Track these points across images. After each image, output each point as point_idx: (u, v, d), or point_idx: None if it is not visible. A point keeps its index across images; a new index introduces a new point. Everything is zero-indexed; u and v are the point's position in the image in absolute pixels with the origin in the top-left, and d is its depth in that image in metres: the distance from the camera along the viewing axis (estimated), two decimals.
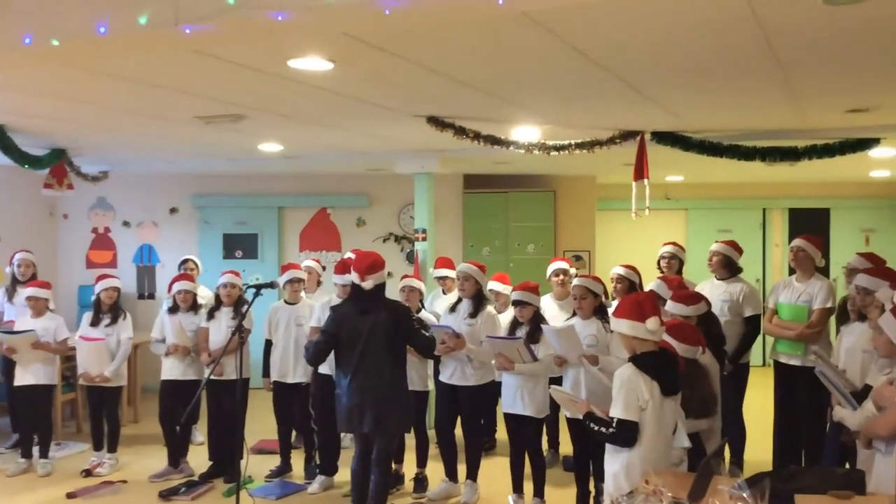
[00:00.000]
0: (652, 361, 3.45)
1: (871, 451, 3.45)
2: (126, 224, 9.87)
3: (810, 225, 10.52)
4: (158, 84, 4.47)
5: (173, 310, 6.29)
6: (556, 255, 9.51)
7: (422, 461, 5.97)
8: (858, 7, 3.06)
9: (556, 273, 6.45)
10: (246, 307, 5.50)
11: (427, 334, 5.10)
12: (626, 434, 3.36)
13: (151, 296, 9.73)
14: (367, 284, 4.83)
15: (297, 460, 6.37)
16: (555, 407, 5.64)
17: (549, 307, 6.24)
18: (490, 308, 5.70)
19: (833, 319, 5.59)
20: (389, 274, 8.90)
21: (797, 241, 5.80)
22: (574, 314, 5.22)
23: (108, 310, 6.41)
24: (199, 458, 6.40)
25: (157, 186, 9.70)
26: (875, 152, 6.64)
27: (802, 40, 3.62)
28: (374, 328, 4.82)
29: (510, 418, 5.38)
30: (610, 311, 4.70)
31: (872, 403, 3.42)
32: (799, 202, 11.25)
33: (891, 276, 4.42)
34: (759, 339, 6.31)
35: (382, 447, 4.93)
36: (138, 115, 5.46)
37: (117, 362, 6.34)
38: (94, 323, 6.38)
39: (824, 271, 6.04)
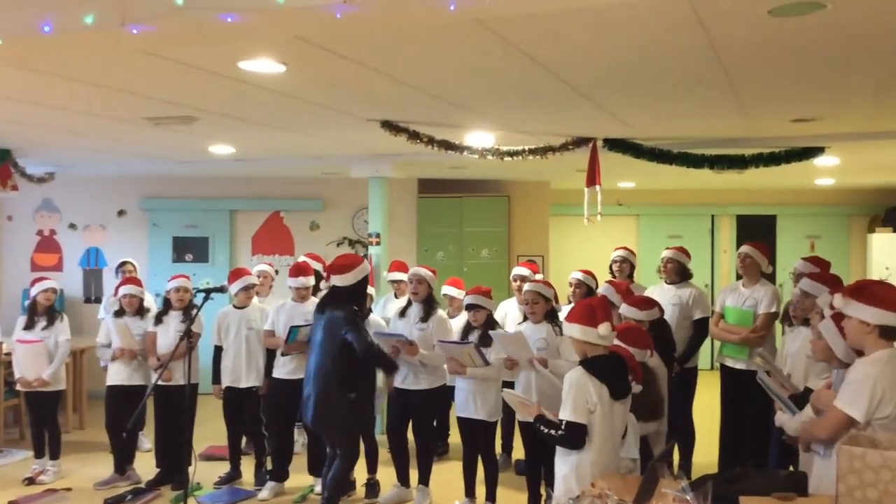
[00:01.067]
0: (601, 365, 3.48)
1: (811, 453, 3.53)
2: (72, 226, 9.66)
3: (757, 231, 10.75)
4: (105, 85, 4.39)
5: (119, 314, 6.17)
6: (511, 259, 9.57)
7: (372, 466, 5.94)
8: (803, 19, 3.13)
9: (515, 279, 6.50)
10: (195, 311, 5.42)
11: (362, 338, 4.94)
12: (575, 436, 3.39)
13: (98, 300, 9.49)
14: (330, 283, 5.00)
15: (248, 466, 6.29)
16: (510, 410, 5.66)
17: (513, 311, 6.30)
18: (441, 312, 5.70)
19: (778, 324, 5.72)
20: None
21: (744, 248, 5.92)
22: (525, 318, 5.26)
23: (43, 312, 6.26)
24: (146, 465, 6.28)
25: (104, 188, 9.51)
26: (820, 161, 6.81)
27: (749, 51, 3.69)
28: (319, 327, 4.94)
29: (463, 422, 5.39)
30: (561, 315, 4.74)
31: (811, 407, 3.51)
32: (746, 209, 11.49)
33: (832, 282, 4.53)
34: (708, 342, 6.41)
35: (336, 441, 5.08)
36: (85, 115, 5.35)
37: (55, 365, 6.19)
38: (29, 326, 6.22)
39: (771, 277, 6.16)
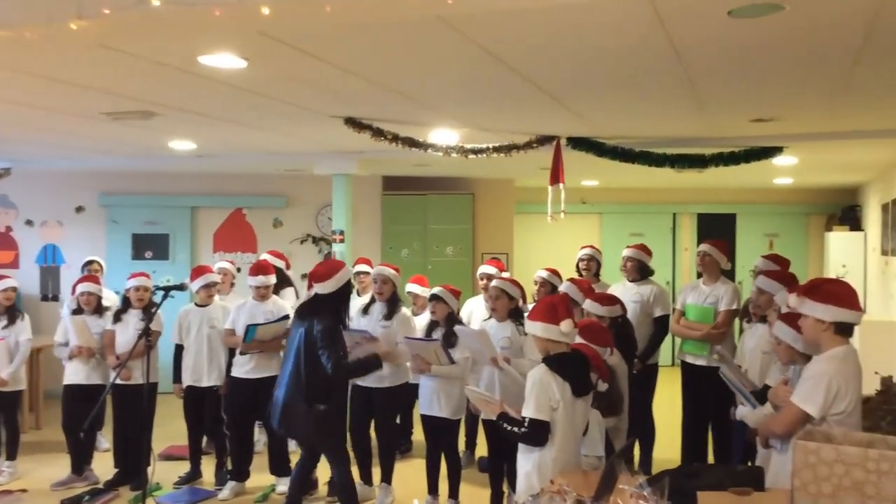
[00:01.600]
0: (564, 363, 3.50)
1: (768, 448, 3.59)
2: (29, 223, 9.47)
3: (717, 229, 10.90)
4: (63, 79, 4.30)
5: (77, 312, 6.07)
6: (475, 257, 9.59)
7: None
8: (762, 20, 3.18)
9: (481, 277, 6.51)
10: (154, 310, 5.34)
11: (336, 354, 4.77)
12: (538, 434, 3.40)
13: (56, 297, 9.35)
14: (312, 291, 4.89)
15: (208, 466, 6.23)
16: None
17: (479, 308, 6.31)
18: (405, 310, 5.69)
19: (737, 321, 5.81)
20: (306, 276, 8.96)
21: (704, 246, 6.00)
22: (490, 315, 5.27)
23: (4, 311, 6.14)
24: (104, 465, 6.19)
25: (62, 184, 9.34)
26: (778, 160, 6.93)
27: (709, 52, 3.73)
28: (297, 333, 4.81)
29: (427, 420, 5.39)
30: (526, 314, 4.75)
31: (770, 403, 3.56)
32: (707, 207, 11.65)
33: (787, 280, 4.61)
34: (668, 339, 6.49)
35: (324, 453, 4.99)
36: (42, 111, 5.25)
37: (15, 365, 6.08)
38: None
39: (730, 275, 6.26)
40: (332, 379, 4.77)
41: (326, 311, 4.79)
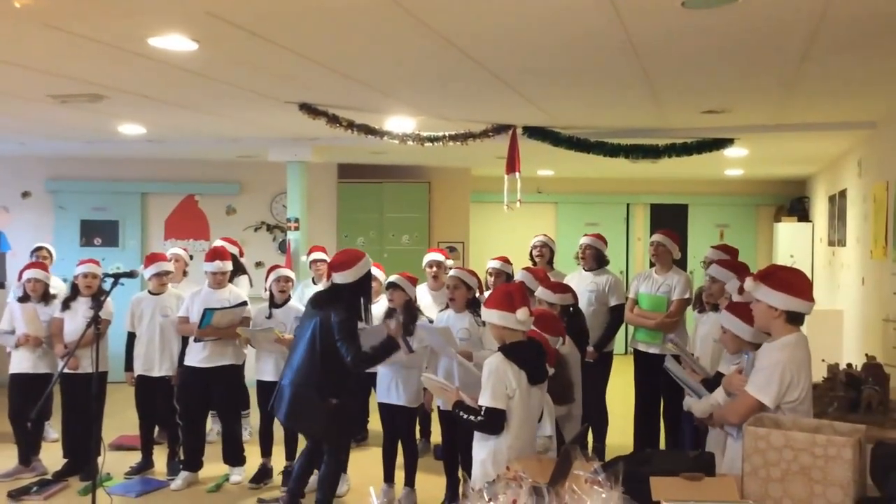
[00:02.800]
0: (520, 351, 3.51)
1: (721, 434, 3.65)
2: None
3: (670, 220, 11.06)
4: (8, 60, 4.18)
5: (23, 299, 5.92)
6: (431, 245, 9.57)
7: (290, 454, 5.87)
8: (715, 12, 3.22)
9: (430, 265, 6.48)
10: (104, 297, 5.23)
11: (352, 347, 4.67)
12: (494, 422, 3.41)
13: (1, 284, 9.11)
14: (330, 280, 4.78)
15: (160, 456, 6.13)
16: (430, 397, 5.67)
17: (424, 297, 6.27)
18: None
19: (689, 310, 5.90)
20: (260, 264, 8.88)
21: (656, 236, 6.06)
22: (447, 305, 5.26)
23: None
24: (52, 456, 6.05)
25: (7, 169, 9.09)
26: (729, 152, 7.05)
27: (663, 43, 3.77)
28: (310, 324, 4.73)
29: (384, 408, 5.37)
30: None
31: (723, 391, 3.62)
32: (660, 198, 11.81)
33: (739, 269, 4.69)
34: (623, 328, 6.56)
35: (325, 444, 4.89)
36: None
37: None
38: None
39: (681, 264, 6.34)
40: (348, 372, 4.72)
41: (345, 301, 4.70)
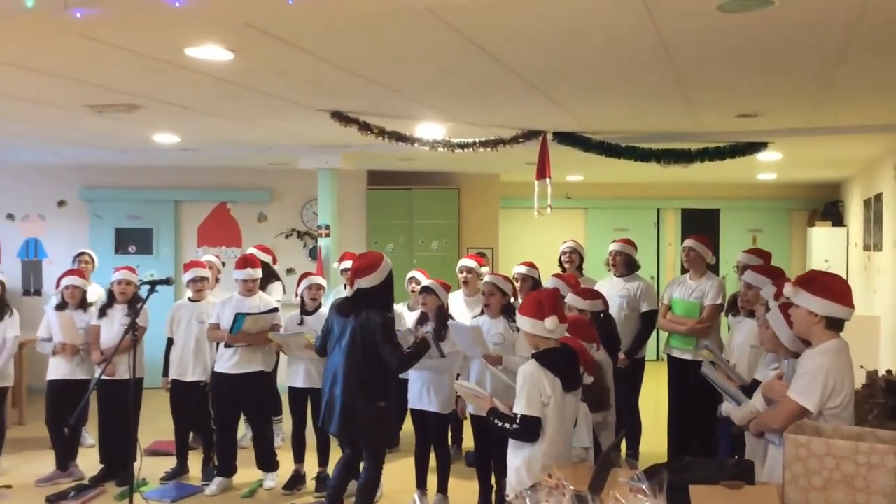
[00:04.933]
0: (554, 358, 3.50)
1: (759, 441, 3.60)
2: (10, 217, 9.37)
3: (701, 225, 10.96)
4: (46, 70, 4.25)
5: (61, 307, 6.01)
6: (460, 252, 9.57)
7: (323, 460, 5.90)
8: (750, 15, 3.19)
9: (462, 270, 6.47)
10: (140, 304, 5.29)
11: (396, 350, 4.75)
12: (530, 430, 3.40)
13: (38, 292, 9.26)
14: (354, 286, 4.79)
15: (195, 462, 6.19)
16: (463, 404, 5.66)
17: (457, 304, 6.28)
18: (396, 305, 5.67)
19: (722, 315, 5.84)
20: (291, 271, 8.94)
21: (688, 242, 6.02)
22: (482, 311, 5.26)
23: None
24: (89, 461, 6.13)
25: (44, 177, 9.24)
26: (762, 156, 6.96)
27: (697, 46, 3.74)
28: (347, 331, 4.74)
29: (416, 414, 5.38)
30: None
31: (762, 397, 3.57)
32: (691, 203, 11.70)
33: (775, 275, 4.63)
34: (654, 334, 6.51)
35: (367, 451, 4.90)
36: (23, 101, 5.18)
37: (2, 361, 5.98)
38: None
39: (714, 269, 6.28)
40: (390, 375, 4.76)
41: (377, 305, 4.73)
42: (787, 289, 3.30)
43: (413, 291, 6.43)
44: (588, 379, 3.76)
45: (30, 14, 2.86)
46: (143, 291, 4.82)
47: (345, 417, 4.73)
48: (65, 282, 6.05)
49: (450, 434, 6.26)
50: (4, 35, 3.41)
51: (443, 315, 5.24)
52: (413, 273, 6.55)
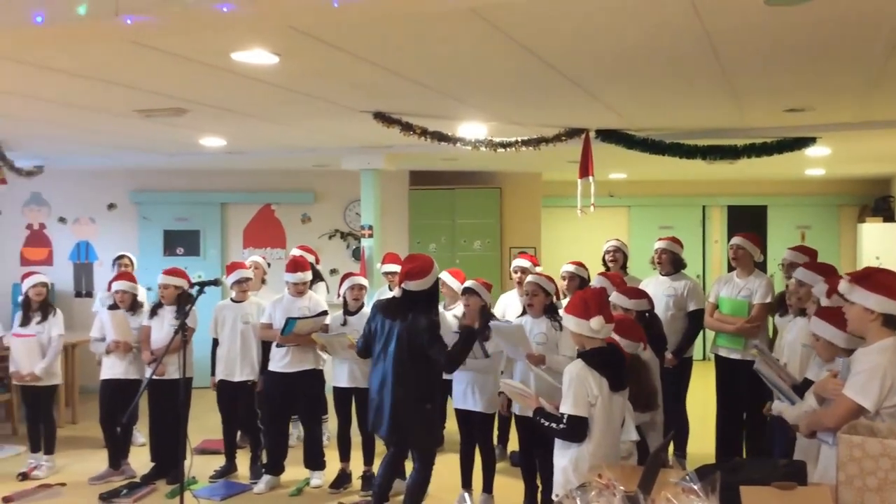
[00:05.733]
0: (600, 357, 3.48)
1: (811, 442, 3.54)
2: (62, 220, 9.60)
3: (748, 222, 10.80)
4: (97, 76, 4.34)
5: (114, 307, 6.13)
6: (503, 251, 9.56)
7: (369, 459, 5.94)
8: (798, 8, 3.13)
9: (515, 270, 6.45)
10: (189, 305, 5.39)
11: (444, 350, 4.73)
12: (577, 429, 3.39)
13: (89, 293, 9.46)
14: (402, 288, 4.81)
15: (243, 460, 6.27)
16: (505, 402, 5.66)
17: (514, 303, 6.29)
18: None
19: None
20: (335, 271, 9.01)
21: (736, 240, 5.93)
22: (524, 311, 5.25)
23: (37, 307, 6.21)
24: (140, 460, 6.26)
25: (94, 181, 9.45)
26: (811, 151, 6.83)
27: (744, 41, 3.69)
28: (393, 334, 4.75)
29: (461, 414, 5.39)
30: (561, 310, 4.73)
31: (814, 396, 3.51)
32: (737, 199, 11.53)
33: (826, 271, 4.54)
34: (701, 333, 6.43)
35: (417, 451, 4.91)
36: (75, 107, 5.30)
37: (48, 360, 6.15)
38: (25, 322, 6.18)
39: (761, 267, 6.18)
40: (437, 376, 4.79)
41: (423, 308, 4.74)
42: (843, 285, 3.24)
43: (443, 293, 6.44)
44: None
45: (82, 21, 2.93)
46: (193, 292, 4.90)
47: (394, 421, 4.72)
48: (115, 286, 6.18)
49: (495, 433, 6.27)
50: (58, 43, 3.49)
51: (485, 314, 5.24)
52: (443, 275, 6.51)
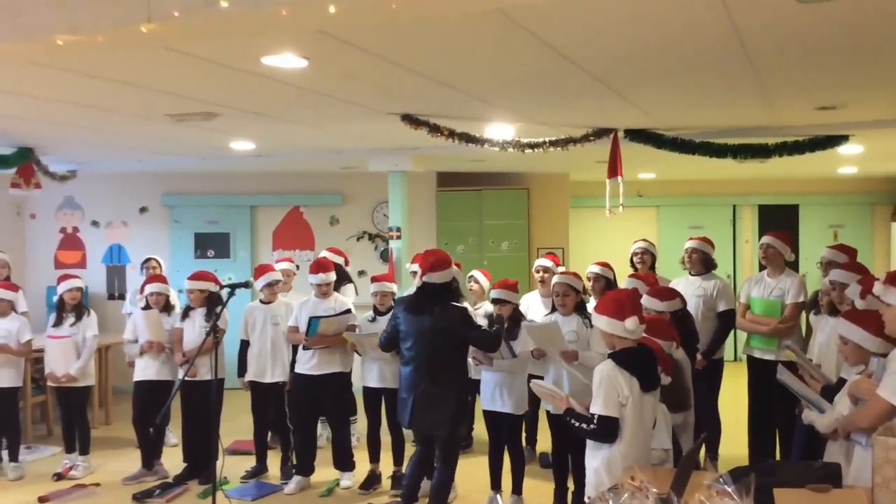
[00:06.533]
0: (631, 357, 3.46)
1: (843, 443, 3.48)
2: (95, 224, 9.74)
3: (779, 221, 10.67)
4: (128, 81, 4.41)
5: (147, 308, 6.21)
6: (531, 252, 9.54)
7: (398, 459, 5.96)
8: (830, 5, 3.09)
9: (538, 270, 6.45)
10: (221, 307, 5.44)
11: (484, 330, 4.96)
12: (607, 430, 3.37)
13: (122, 296, 9.58)
14: (423, 280, 4.88)
15: (274, 460, 6.32)
16: (533, 403, 5.66)
17: (536, 303, 6.28)
18: (464, 303, 5.69)
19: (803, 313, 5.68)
20: (363, 272, 9.05)
21: (766, 239, 5.86)
22: (554, 310, 5.24)
23: (71, 309, 6.30)
24: (173, 460, 6.33)
25: (126, 185, 9.58)
26: (844, 149, 6.73)
27: (775, 38, 3.65)
28: (423, 329, 4.80)
29: (489, 415, 5.38)
30: (589, 308, 4.72)
31: (848, 397, 3.45)
32: (768, 198, 11.40)
33: (859, 271, 4.48)
34: (731, 333, 6.36)
35: (441, 447, 4.95)
36: (107, 112, 5.38)
37: (82, 361, 6.24)
38: (58, 323, 6.28)
39: (793, 266, 6.10)
40: (466, 368, 4.91)
41: (447, 298, 4.84)
42: (878, 287, 3.19)
43: (472, 290, 6.47)
44: (666, 379, 3.70)
45: (114, 27, 2.98)
46: (224, 294, 4.96)
47: (428, 411, 4.79)
48: (149, 289, 6.26)
49: (523, 435, 6.26)
50: (92, 49, 3.54)
51: (516, 315, 5.25)
52: (473, 272, 6.58)
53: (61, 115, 5.48)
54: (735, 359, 9.64)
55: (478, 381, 5.49)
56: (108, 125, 5.95)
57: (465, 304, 5.40)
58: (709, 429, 5.79)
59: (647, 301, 4.83)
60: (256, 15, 2.78)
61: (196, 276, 6.19)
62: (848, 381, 3.52)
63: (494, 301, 5.33)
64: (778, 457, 5.74)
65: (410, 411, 4.84)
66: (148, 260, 7.38)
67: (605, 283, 5.89)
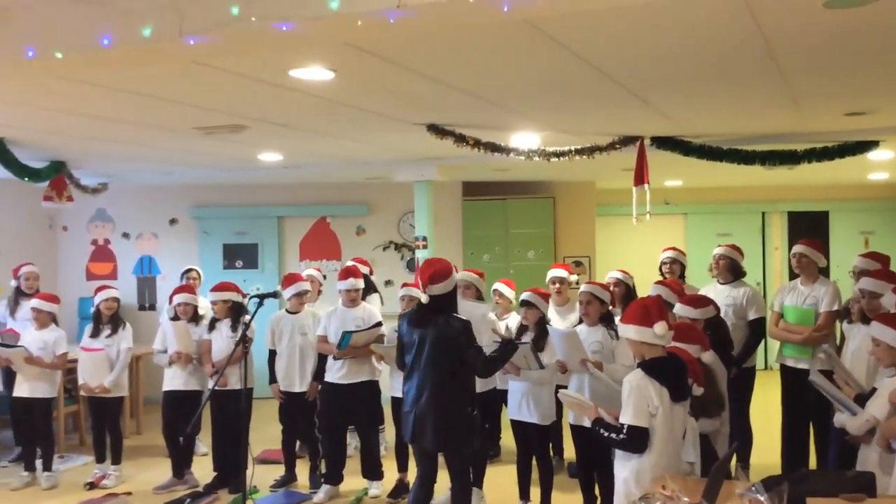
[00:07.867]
0: (661, 367, 3.44)
1: (874, 451, 3.43)
2: (126, 235, 9.87)
3: (809, 228, 10.53)
4: (159, 95, 4.48)
5: (175, 319, 6.28)
6: (557, 261, 9.50)
7: (403, 465, 5.95)
8: (858, 10, 3.07)
9: (553, 281, 6.39)
10: (249, 317, 5.48)
11: (480, 352, 4.68)
12: (637, 440, 3.35)
13: (152, 307, 9.71)
14: (425, 296, 4.75)
15: (303, 470, 6.35)
16: (559, 412, 5.63)
17: (552, 315, 6.25)
18: (490, 314, 5.69)
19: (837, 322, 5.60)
20: (389, 282, 9.08)
21: (798, 247, 5.78)
22: (580, 321, 5.22)
23: (108, 321, 6.39)
24: (203, 469, 6.37)
25: (156, 197, 9.70)
26: (874, 155, 6.66)
27: (803, 44, 3.63)
28: (426, 342, 4.68)
29: (516, 425, 5.36)
30: (616, 318, 4.69)
31: (890, 403, 3.39)
32: (798, 205, 11.27)
33: (892, 279, 4.42)
34: (763, 342, 6.29)
35: (449, 467, 4.82)
36: (138, 126, 5.47)
37: (116, 372, 6.31)
38: (95, 334, 6.36)
39: (823, 273, 6.02)
40: (473, 381, 4.76)
41: (448, 310, 4.70)
42: None
43: (497, 303, 6.43)
44: (698, 390, 3.67)
45: (147, 43, 3.03)
46: (252, 305, 4.99)
47: (439, 429, 4.63)
48: (177, 299, 6.32)
49: (552, 445, 6.23)
50: (123, 63, 3.60)
51: (542, 326, 5.23)
52: (497, 285, 6.50)
53: (93, 129, 5.57)
54: (766, 367, 9.53)
55: (505, 391, 5.47)
56: (138, 139, 6.04)
57: (487, 311, 5.32)
58: (740, 437, 5.73)
59: (680, 309, 4.80)
60: (284, 30, 2.81)
61: (219, 288, 6.23)
62: (882, 386, 3.47)
63: (523, 303, 5.30)
64: (813, 466, 5.66)
65: (412, 427, 4.71)
66: (189, 270, 7.45)
67: (626, 289, 5.87)
